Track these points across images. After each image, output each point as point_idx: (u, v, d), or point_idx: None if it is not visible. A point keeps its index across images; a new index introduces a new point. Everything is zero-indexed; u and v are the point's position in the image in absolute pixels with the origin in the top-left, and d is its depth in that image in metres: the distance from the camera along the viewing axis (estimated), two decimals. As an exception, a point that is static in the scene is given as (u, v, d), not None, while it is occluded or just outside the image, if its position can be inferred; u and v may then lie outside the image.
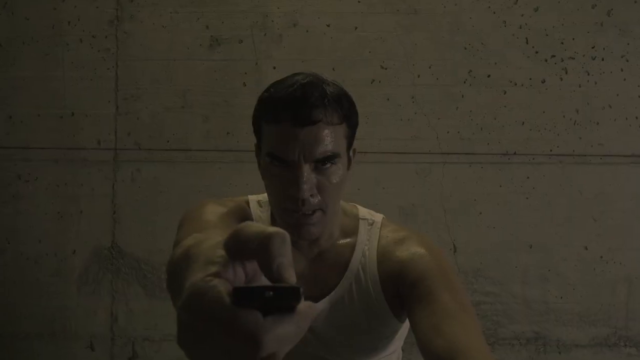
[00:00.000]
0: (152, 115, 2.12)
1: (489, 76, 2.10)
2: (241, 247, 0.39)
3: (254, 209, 1.01)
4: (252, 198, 1.04)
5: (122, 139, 2.12)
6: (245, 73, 2.10)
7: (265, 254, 0.38)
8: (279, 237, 0.38)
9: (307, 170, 0.86)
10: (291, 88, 0.87)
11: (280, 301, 0.37)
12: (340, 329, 0.97)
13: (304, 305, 0.38)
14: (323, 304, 0.97)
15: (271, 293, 0.36)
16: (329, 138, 0.87)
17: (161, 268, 2.10)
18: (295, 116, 0.86)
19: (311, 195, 0.87)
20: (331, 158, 0.88)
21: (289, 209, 0.89)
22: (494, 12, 2.10)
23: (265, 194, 0.97)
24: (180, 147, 2.11)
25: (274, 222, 1.00)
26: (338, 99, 0.89)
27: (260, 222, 1.00)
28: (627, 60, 2.10)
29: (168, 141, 2.12)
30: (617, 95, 2.10)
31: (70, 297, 2.12)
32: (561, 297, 2.10)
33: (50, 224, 2.13)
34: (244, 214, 0.98)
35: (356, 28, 2.10)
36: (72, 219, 2.12)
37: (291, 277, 0.38)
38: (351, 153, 0.96)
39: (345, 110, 0.91)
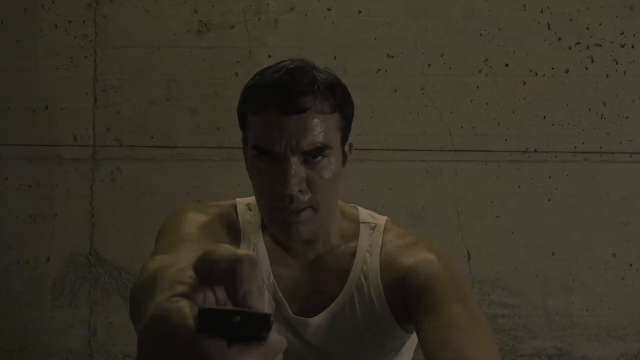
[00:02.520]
0: (134, 108, 2.12)
1: (506, 65, 2.10)
2: (209, 271, 0.39)
3: (242, 213, 1.02)
4: (241, 201, 1.04)
5: (101, 134, 2.12)
6: (238, 62, 2.11)
7: (232, 278, 0.38)
8: (248, 260, 0.39)
9: (295, 163, 0.87)
10: (277, 74, 0.88)
11: (249, 328, 0.37)
12: (341, 343, 0.98)
13: (274, 338, 0.38)
14: (322, 316, 0.98)
15: (239, 318, 0.37)
16: (319, 128, 0.88)
17: (144, 277, 2.10)
18: (281, 103, 0.86)
19: (300, 191, 0.88)
20: (321, 150, 0.89)
21: (277, 208, 0.89)
22: (512, -6, 2.11)
23: (255, 197, 0.97)
24: (165, 144, 2.12)
25: (264, 227, 1.00)
26: (330, 86, 0.90)
27: (249, 227, 1.00)
28: (660, 48, 2.10)
29: (152, 137, 2.12)
30: (649, 86, 2.10)
31: (44, 308, 2.13)
32: (586, 310, 2.10)
33: (21, 229, 2.13)
34: (229, 222, 0.99)
35: (360, 12, 2.11)
36: (46, 223, 2.13)
37: (260, 305, 0.38)
38: (347, 148, 0.97)
39: (339, 98, 0.91)
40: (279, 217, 0.90)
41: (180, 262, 0.47)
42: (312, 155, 0.88)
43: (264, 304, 0.39)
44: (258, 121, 0.89)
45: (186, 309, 0.38)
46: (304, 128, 0.87)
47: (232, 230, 0.98)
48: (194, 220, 0.93)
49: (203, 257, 0.40)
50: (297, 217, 0.89)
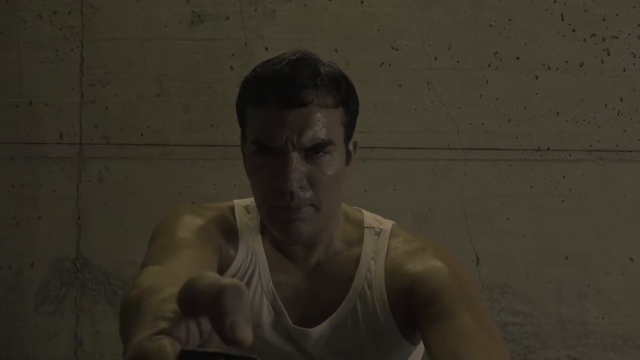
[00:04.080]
0: (123, 104, 2.11)
1: (517, 58, 2.09)
2: (193, 302, 0.39)
3: (240, 215, 1.01)
4: (238, 203, 1.04)
5: (88, 131, 2.12)
6: (233, 55, 2.10)
7: (217, 309, 0.38)
8: (234, 289, 0.38)
9: (295, 158, 0.87)
10: (279, 65, 0.88)
11: None
12: (342, 356, 0.97)
13: None
14: (323, 327, 0.97)
15: None
16: (322, 122, 0.88)
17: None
18: (282, 96, 0.86)
19: (300, 188, 0.88)
20: (324, 146, 0.89)
21: (277, 206, 0.89)
22: (524, -16, 2.10)
23: (253, 198, 0.97)
24: (156, 142, 2.11)
25: (263, 230, 1.00)
26: (334, 80, 0.90)
27: (247, 230, 1.00)
28: (680, 40, 2.10)
29: (142, 134, 2.11)
30: (668, 80, 2.10)
31: (28, 316, 2.12)
32: (602, 317, 2.09)
33: (4, 231, 2.12)
34: (226, 225, 0.98)
35: (362, 2, 2.10)
36: (30, 225, 2.12)
37: (247, 337, 0.38)
38: (351, 146, 0.97)
39: (343, 92, 0.91)
40: (278, 216, 0.90)
41: (168, 286, 0.47)
42: (314, 151, 0.89)
43: (250, 335, 0.39)
44: (258, 115, 0.90)
45: (167, 349, 0.38)
46: (306, 123, 0.87)
47: (230, 234, 0.98)
48: (189, 223, 0.92)
49: (186, 287, 0.40)
50: (298, 214, 0.89)
